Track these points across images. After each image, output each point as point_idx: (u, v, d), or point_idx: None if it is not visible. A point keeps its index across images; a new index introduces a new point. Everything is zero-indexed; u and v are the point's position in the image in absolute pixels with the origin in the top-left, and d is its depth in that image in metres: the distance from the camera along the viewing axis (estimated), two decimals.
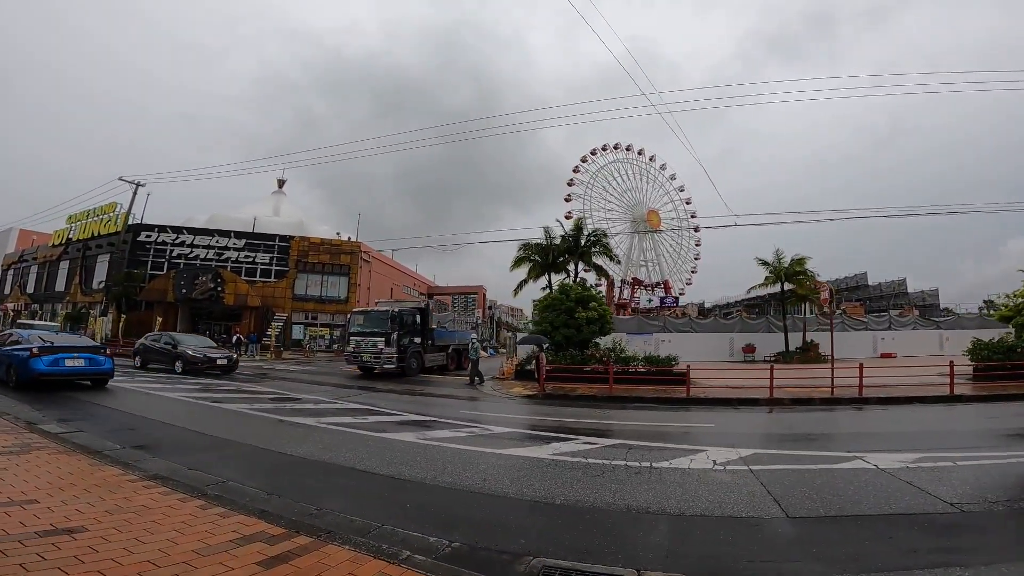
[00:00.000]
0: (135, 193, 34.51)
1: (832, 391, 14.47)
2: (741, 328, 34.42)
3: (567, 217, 71.85)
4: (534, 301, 27.11)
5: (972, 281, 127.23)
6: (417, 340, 21.89)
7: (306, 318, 41.90)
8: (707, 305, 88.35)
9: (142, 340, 21.76)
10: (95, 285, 42.79)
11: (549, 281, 33.83)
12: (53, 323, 36.58)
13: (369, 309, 23.75)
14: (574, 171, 73.77)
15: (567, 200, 71.86)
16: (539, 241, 33.14)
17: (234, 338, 33.71)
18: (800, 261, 30.83)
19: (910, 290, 52.86)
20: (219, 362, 19.16)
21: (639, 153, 77.60)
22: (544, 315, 20.72)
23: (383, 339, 20.49)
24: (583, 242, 31.30)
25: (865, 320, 36.47)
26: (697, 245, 79.17)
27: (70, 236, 45.76)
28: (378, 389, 16.36)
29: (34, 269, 50.96)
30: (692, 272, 78.74)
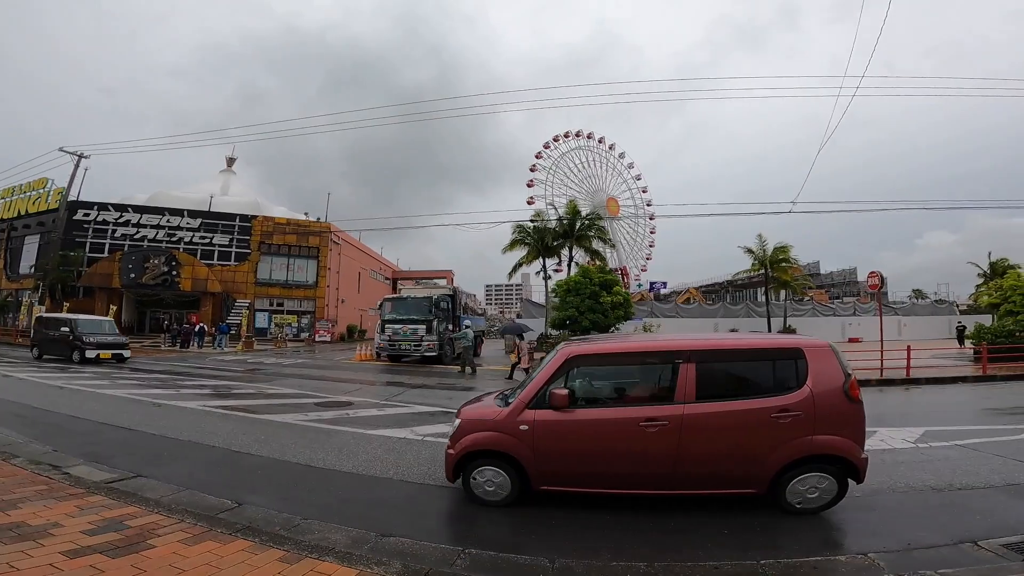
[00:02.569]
0: (76, 165, 30.54)
1: (881, 373, 14.70)
2: (724, 313, 35.25)
3: (529, 202, 71.65)
4: (554, 289, 26.33)
5: (892, 271, 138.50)
6: (449, 327, 21.15)
7: (271, 304, 38.94)
8: (663, 292, 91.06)
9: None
10: (23, 270, 37.86)
11: (544, 265, 33.22)
12: None
13: (405, 296, 22.57)
14: (537, 156, 73.83)
15: (530, 185, 71.81)
16: (529, 224, 32.35)
17: (197, 328, 30.61)
18: (784, 249, 31.76)
19: (859, 279, 56.41)
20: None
21: (600, 141, 78.54)
22: (568, 299, 19.99)
23: (424, 326, 19.66)
24: (578, 226, 30.81)
25: (832, 307, 38.35)
26: (652, 232, 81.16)
27: None
28: (430, 385, 14.54)
29: None
30: (647, 259, 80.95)
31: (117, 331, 20.98)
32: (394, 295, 24.39)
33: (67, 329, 18.36)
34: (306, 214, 43.37)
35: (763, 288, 57.85)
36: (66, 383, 12.78)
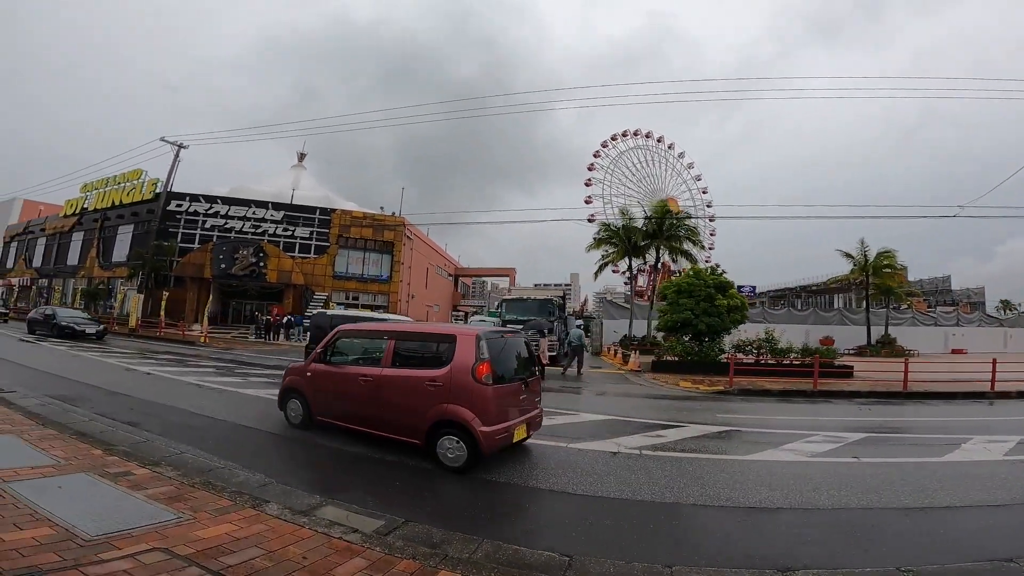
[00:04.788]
0: (176, 155, 31.70)
1: (992, 386, 13.70)
2: (815, 320, 33.40)
3: (587, 202, 71.11)
4: (661, 291, 25.57)
5: (967, 280, 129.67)
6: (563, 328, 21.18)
7: (347, 298, 39.46)
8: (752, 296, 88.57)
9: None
10: (116, 258, 39.66)
11: (629, 265, 32.37)
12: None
13: (525, 297, 23.00)
14: (594, 156, 73.51)
15: (587, 184, 71.45)
16: (616, 223, 31.65)
17: (284, 320, 31.18)
18: (888, 254, 29.79)
19: (954, 287, 52.73)
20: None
21: (658, 140, 77.27)
22: (680, 301, 19.10)
23: (546, 328, 19.66)
24: (666, 225, 29.80)
25: (934, 315, 35.86)
26: (712, 235, 78.91)
27: (85, 206, 42.27)
28: (554, 388, 14.27)
29: (42, 241, 47.34)
30: (707, 262, 78.77)
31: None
32: (512, 296, 24.71)
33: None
34: (381, 208, 43.79)
35: (841, 295, 55.13)
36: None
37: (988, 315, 39.50)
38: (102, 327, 23.03)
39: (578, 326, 19.09)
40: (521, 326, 19.56)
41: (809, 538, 4.49)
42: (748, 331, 21.03)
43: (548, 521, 4.67)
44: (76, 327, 21.41)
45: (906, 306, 35.54)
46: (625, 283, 77.45)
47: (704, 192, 79.39)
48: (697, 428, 8.86)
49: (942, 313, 36.68)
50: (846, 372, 17.14)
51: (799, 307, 54.87)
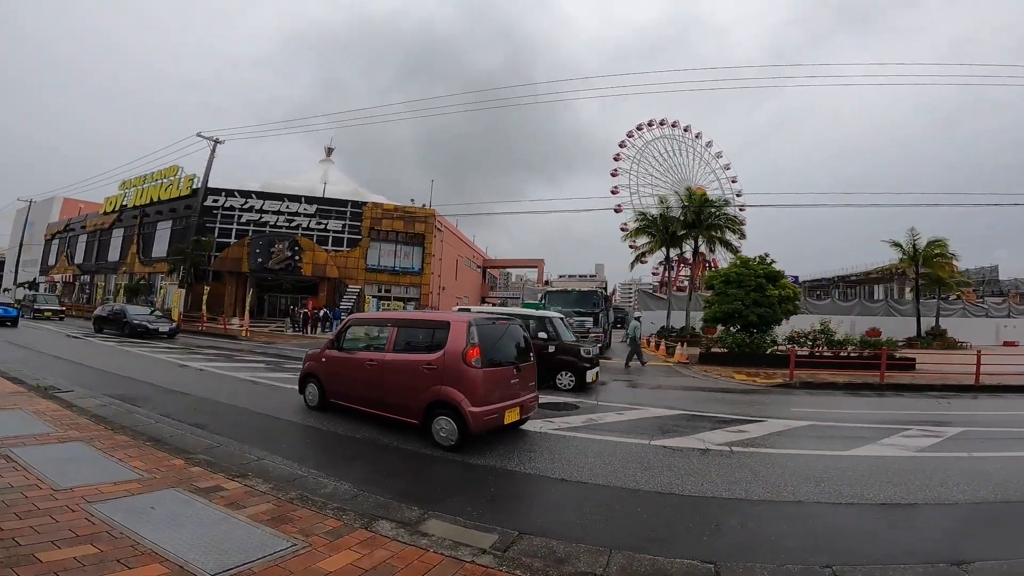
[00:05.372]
0: (213, 151, 31.98)
1: None
2: (860, 311, 32.38)
3: (613, 192, 70.35)
4: (707, 280, 25.20)
5: (1010, 268, 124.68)
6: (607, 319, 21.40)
7: (379, 291, 39.67)
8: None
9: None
10: (155, 254, 40.51)
11: (667, 255, 31.81)
12: None
13: (570, 288, 22.89)
14: (620, 146, 72.86)
15: (614, 175, 70.91)
16: (654, 211, 31.16)
17: (321, 312, 31.40)
18: (940, 243, 28.61)
19: (1002, 277, 50.57)
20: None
21: (685, 130, 76.19)
22: (729, 291, 18.59)
23: (592, 318, 19.60)
24: (705, 214, 29.16)
25: (985, 307, 34.43)
26: (742, 224, 77.33)
27: (124, 203, 43.20)
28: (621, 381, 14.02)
29: (83, 239, 48.61)
30: (737, 252, 77.37)
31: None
32: (556, 288, 24.71)
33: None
34: (412, 201, 43.86)
35: (881, 285, 53.46)
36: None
37: None
38: (174, 324, 22.35)
39: (636, 318, 18.77)
40: (591, 318, 19.57)
41: (965, 531, 4.22)
42: (795, 323, 20.49)
43: (671, 525, 4.36)
44: (149, 325, 20.72)
45: (955, 297, 34.19)
46: (653, 273, 76.54)
47: (733, 181, 77.75)
48: (777, 423, 8.50)
49: (992, 304, 35.16)
50: (908, 365, 16.49)
51: (836, 297, 53.46)
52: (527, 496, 5.03)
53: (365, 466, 5.60)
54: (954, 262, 29.72)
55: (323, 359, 7.77)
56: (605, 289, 22.51)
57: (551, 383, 10.90)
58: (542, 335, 11.13)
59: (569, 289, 22.37)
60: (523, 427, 7.21)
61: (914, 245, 29.15)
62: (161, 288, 38.07)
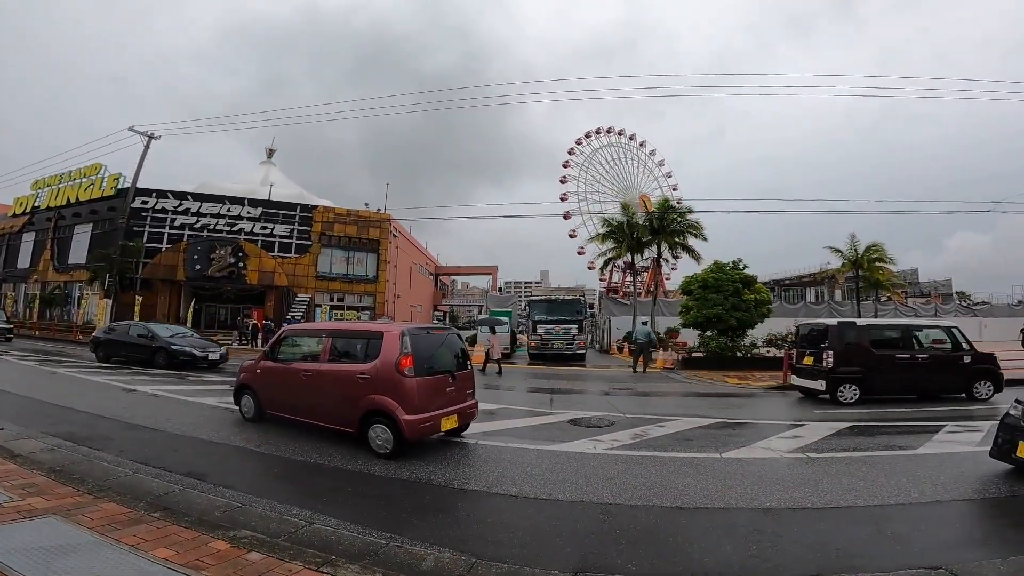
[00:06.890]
0: (147, 147, 29.19)
1: None
2: (806, 312, 34.07)
3: (562, 199, 71.25)
4: (682, 286, 25.49)
5: (926, 271, 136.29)
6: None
7: (331, 299, 37.60)
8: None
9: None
10: (72, 260, 36.40)
11: (632, 261, 32.07)
12: None
13: (553, 296, 23.31)
14: (569, 152, 74.45)
15: (563, 182, 72.06)
16: (619, 217, 31.39)
17: (271, 323, 29.20)
18: (877, 248, 30.54)
19: (921, 279, 55.11)
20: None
21: (631, 138, 78.72)
22: (708, 296, 18.78)
23: (576, 325, 20.29)
24: (668, 220, 29.63)
25: (914, 307, 37.23)
26: (703, 229, 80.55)
27: (36, 204, 38.66)
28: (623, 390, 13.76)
29: None
30: (676, 258, 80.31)
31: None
32: (541, 297, 24.84)
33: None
34: (366, 205, 42.02)
35: (813, 288, 56.74)
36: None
37: (963, 305, 41.39)
38: (223, 350, 17.19)
39: (643, 323, 18.99)
40: (553, 325, 19.35)
41: None
42: (760, 327, 21.08)
43: (820, 542, 3.88)
44: (196, 352, 15.67)
45: (887, 298, 36.75)
46: (600, 279, 77.84)
47: (675, 189, 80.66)
48: (821, 426, 8.41)
49: (919, 305, 38.15)
50: None
51: (783, 300, 56.43)
52: (617, 527, 4.37)
53: (396, 507, 4.74)
54: (890, 266, 31.88)
55: (258, 370, 7.77)
56: (584, 299, 22.65)
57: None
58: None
59: (553, 298, 22.40)
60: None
61: (855, 250, 30.96)
62: (83, 298, 34.22)
